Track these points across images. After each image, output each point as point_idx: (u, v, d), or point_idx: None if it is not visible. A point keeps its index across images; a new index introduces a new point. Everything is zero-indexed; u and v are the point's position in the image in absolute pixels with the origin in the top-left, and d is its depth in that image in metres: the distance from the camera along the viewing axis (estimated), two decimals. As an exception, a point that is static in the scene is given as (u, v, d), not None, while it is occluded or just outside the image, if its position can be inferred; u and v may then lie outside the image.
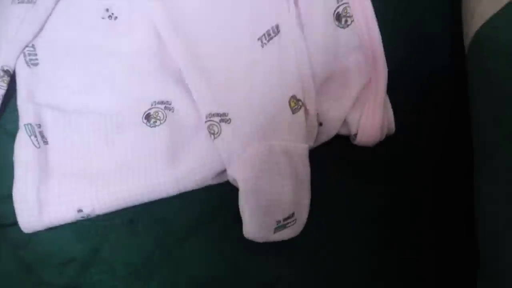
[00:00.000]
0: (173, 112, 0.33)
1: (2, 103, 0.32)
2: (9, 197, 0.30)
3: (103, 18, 0.34)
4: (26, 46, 0.33)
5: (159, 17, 0.33)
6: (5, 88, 0.32)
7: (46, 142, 0.31)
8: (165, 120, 0.32)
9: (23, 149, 0.30)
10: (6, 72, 0.32)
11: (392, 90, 0.34)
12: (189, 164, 0.32)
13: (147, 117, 0.33)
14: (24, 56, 0.33)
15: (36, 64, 0.33)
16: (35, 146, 0.30)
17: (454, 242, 0.34)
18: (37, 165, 0.30)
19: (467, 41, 0.33)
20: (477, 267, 0.33)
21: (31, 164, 0.30)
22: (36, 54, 0.33)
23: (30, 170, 0.30)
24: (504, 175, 0.28)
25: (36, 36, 0.33)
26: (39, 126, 0.31)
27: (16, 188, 0.30)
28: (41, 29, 0.33)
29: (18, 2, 0.33)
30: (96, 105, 0.33)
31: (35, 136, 0.31)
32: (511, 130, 0.27)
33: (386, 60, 0.33)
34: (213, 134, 0.32)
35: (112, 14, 0.34)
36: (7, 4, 0.33)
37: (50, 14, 0.33)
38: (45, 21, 0.33)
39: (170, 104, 0.33)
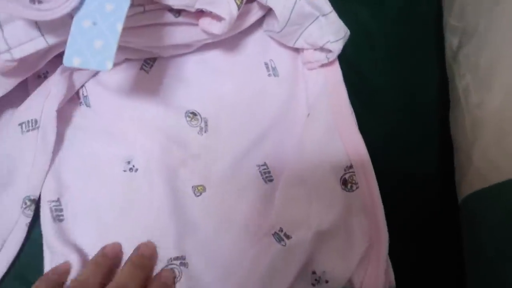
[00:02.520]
0: (187, 268, 0.33)
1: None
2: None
3: (124, 170, 0.35)
4: (52, 200, 0.33)
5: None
6: (31, 215, 0.33)
7: None
8: (181, 278, 0.33)
9: None
10: (32, 201, 0.33)
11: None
12: None
13: None
14: (51, 211, 0.33)
15: (61, 220, 0.33)
16: None
17: None
18: None
19: (460, 196, 0.34)
20: None
21: None
22: (62, 210, 0.33)
23: None
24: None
25: (51, 162, 0.33)
26: None
27: None
28: (51, 155, 0.33)
29: (27, 131, 0.33)
30: None
31: None
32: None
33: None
34: None
35: (133, 166, 0.35)
36: (18, 135, 0.33)
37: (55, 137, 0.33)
38: (52, 146, 0.33)
39: (184, 259, 0.34)
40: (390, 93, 0.41)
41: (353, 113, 0.37)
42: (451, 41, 0.39)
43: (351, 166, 0.35)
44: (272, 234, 0.34)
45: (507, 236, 0.27)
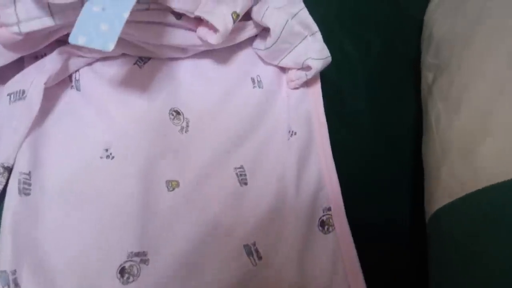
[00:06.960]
0: (147, 265, 0.32)
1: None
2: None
3: (101, 157, 0.34)
4: (22, 173, 0.32)
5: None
6: (4, 183, 0.32)
7: None
8: (139, 275, 0.32)
9: None
10: (6, 168, 0.32)
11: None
12: None
13: (122, 271, 0.32)
14: (19, 183, 0.31)
15: (28, 194, 0.32)
16: None
17: None
18: None
19: (428, 215, 0.35)
20: None
21: None
22: (30, 184, 0.32)
23: None
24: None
25: (28, 133, 0.32)
26: (14, 272, 0.29)
27: None
28: (31, 124, 0.32)
29: (14, 101, 0.33)
30: (75, 261, 0.31)
31: (8, 286, 0.28)
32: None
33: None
34: None
35: (111, 154, 0.35)
36: (6, 105, 0.33)
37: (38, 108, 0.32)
38: (34, 115, 0.32)
39: (145, 255, 0.33)
40: (369, 116, 0.44)
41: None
42: (427, 76, 0.43)
43: (329, 209, 0.37)
44: (244, 245, 0.34)
45: (471, 247, 0.28)
